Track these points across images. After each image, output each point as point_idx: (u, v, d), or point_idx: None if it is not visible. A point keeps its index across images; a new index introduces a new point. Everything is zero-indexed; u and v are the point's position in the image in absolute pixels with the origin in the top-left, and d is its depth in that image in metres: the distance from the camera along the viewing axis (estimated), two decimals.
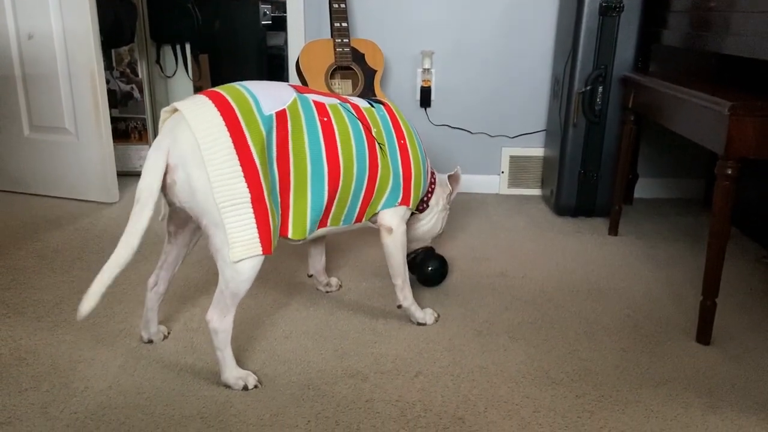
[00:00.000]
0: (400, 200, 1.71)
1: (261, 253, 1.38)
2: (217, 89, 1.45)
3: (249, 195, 1.35)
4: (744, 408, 1.46)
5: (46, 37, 2.68)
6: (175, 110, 1.41)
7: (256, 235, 1.37)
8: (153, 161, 1.35)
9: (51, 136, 2.84)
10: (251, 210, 1.36)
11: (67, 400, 1.44)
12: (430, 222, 1.93)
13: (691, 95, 1.80)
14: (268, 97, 1.46)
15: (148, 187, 1.34)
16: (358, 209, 1.66)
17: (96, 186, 2.83)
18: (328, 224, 1.63)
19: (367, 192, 1.64)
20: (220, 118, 1.36)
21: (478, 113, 3.06)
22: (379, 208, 1.70)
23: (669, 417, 1.42)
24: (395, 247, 1.73)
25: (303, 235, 1.54)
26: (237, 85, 1.48)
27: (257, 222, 1.37)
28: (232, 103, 1.39)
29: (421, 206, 1.88)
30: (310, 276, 2.04)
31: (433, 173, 1.91)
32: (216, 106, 1.38)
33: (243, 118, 1.38)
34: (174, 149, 1.35)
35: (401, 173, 1.70)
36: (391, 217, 1.72)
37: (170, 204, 1.48)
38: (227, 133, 1.35)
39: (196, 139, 1.34)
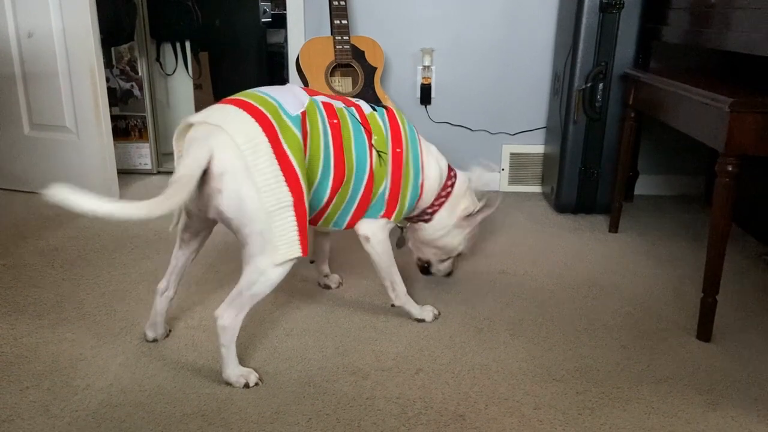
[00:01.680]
0: (383, 212, 1.67)
1: (301, 254, 1.40)
2: (238, 97, 1.45)
3: (291, 199, 1.37)
4: (744, 405, 1.46)
5: (45, 35, 2.68)
6: (191, 125, 1.40)
7: (297, 237, 1.38)
8: (195, 157, 1.30)
9: (51, 134, 2.83)
10: (293, 213, 1.37)
11: (68, 398, 1.44)
12: (436, 236, 1.82)
13: (691, 92, 1.80)
14: (288, 99, 1.47)
15: (193, 173, 1.29)
16: (351, 215, 1.65)
17: (96, 184, 2.83)
18: (320, 224, 1.64)
19: (362, 199, 1.63)
20: (257, 126, 1.36)
21: (478, 110, 3.06)
22: (364, 216, 1.67)
23: (670, 414, 1.42)
24: (377, 255, 1.70)
25: None
26: (256, 91, 1.48)
27: (298, 224, 1.38)
28: (262, 109, 1.40)
29: (424, 217, 1.79)
30: (312, 262, 2.03)
31: (450, 184, 1.78)
32: (249, 114, 1.38)
33: (275, 122, 1.39)
34: (219, 156, 1.33)
35: (390, 184, 1.65)
36: (368, 226, 1.68)
37: (190, 214, 1.49)
38: (266, 140, 1.35)
39: (238, 147, 1.33)
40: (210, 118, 1.38)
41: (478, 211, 1.81)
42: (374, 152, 1.62)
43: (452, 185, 1.79)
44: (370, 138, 1.62)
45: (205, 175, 1.34)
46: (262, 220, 1.35)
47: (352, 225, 1.68)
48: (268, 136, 1.36)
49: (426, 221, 1.81)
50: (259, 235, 1.36)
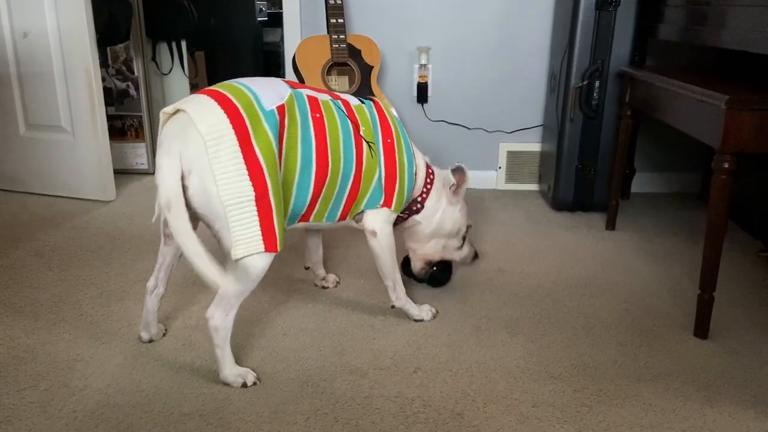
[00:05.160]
0: (382, 202, 1.68)
1: (263, 250, 1.38)
2: (216, 88, 1.44)
3: (253, 193, 1.36)
4: (742, 401, 1.46)
5: (41, 35, 2.67)
6: (176, 111, 1.40)
7: (259, 232, 1.37)
8: (167, 168, 1.32)
9: (47, 134, 2.83)
10: (254, 208, 1.36)
11: (65, 399, 1.44)
12: (433, 222, 1.83)
13: (687, 89, 1.80)
14: (266, 92, 1.46)
15: (173, 188, 1.30)
16: (342, 208, 1.65)
17: (92, 184, 2.82)
18: (311, 220, 1.62)
19: (351, 191, 1.63)
20: (225, 116, 1.36)
21: (475, 109, 3.06)
22: (362, 207, 1.68)
23: (667, 410, 1.43)
24: (381, 250, 1.71)
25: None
26: (234, 82, 1.47)
27: (260, 219, 1.37)
28: (234, 101, 1.39)
29: (415, 206, 1.81)
30: (307, 268, 2.03)
31: (431, 172, 1.84)
32: (219, 104, 1.37)
33: (246, 115, 1.38)
34: (186, 154, 1.34)
35: (384, 173, 1.67)
36: (374, 219, 1.69)
37: None
38: (232, 131, 1.35)
39: (202, 137, 1.33)
40: (181, 106, 1.39)
41: (458, 185, 1.84)
42: (364, 143, 1.62)
43: (433, 172, 1.85)
44: (357, 130, 1.62)
45: None
46: (224, 214, 1.35)
47: (344, 217, 1.68)
48: (235, 127, 1.35)
49: (418, 211, 1.82)
50: (228, 229, 1.36)
